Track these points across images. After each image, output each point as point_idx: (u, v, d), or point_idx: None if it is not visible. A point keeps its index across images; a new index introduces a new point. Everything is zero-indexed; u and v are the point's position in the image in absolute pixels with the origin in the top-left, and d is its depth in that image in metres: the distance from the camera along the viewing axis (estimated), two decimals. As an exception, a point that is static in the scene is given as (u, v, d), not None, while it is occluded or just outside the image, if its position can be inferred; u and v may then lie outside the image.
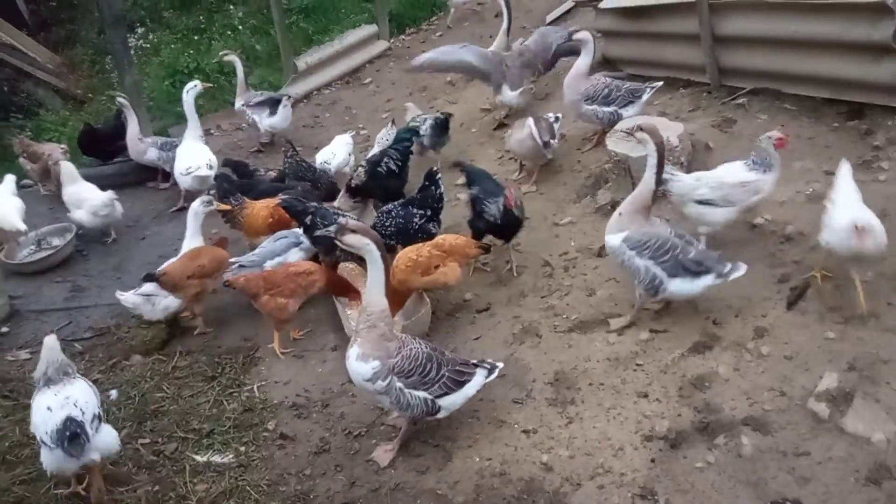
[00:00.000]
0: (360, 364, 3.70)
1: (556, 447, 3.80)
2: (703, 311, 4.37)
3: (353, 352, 3.74)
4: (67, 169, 6.78)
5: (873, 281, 4.18)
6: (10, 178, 6.75)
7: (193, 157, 6.83)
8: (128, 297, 5.08)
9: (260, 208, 5.75)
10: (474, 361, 3.96)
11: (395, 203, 5.53)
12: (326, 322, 5.24)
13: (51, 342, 3.86)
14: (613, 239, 4.27)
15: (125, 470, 4.09)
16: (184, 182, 6.91)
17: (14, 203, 6.45)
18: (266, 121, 8.07)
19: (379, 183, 6.10)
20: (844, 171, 4.23)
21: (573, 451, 3.76)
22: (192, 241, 5.33)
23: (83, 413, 3.61)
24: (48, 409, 3.62)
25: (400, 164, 6.18)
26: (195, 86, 7.26)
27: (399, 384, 3.70)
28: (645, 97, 6.03)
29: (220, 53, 8.49)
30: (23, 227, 6.30)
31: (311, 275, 4.89)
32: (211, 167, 6.79)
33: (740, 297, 4.39)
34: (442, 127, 6.80)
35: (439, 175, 5.50)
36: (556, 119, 6.11)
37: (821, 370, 3.77)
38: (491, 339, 4.76)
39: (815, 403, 3.61)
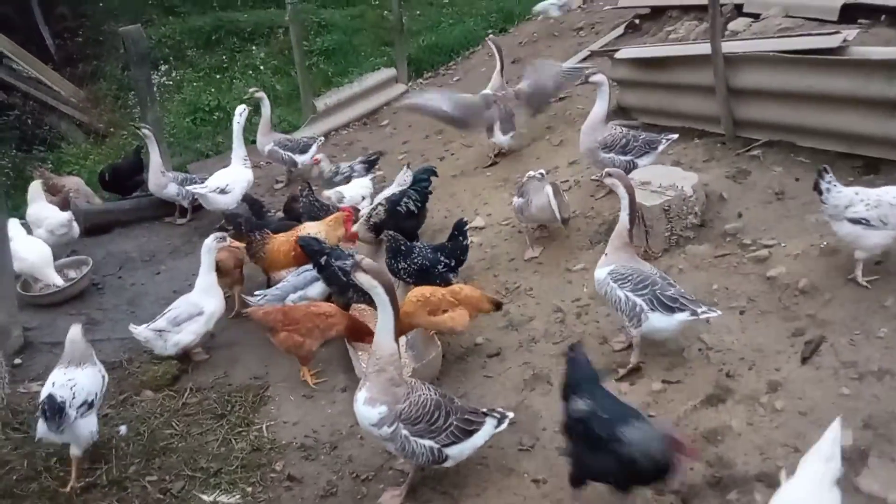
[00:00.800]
0: (367, 408, 3.68)
1: (567, 499, 3.75)
2: (716, 363, 4.34)
3: (360, 395, 3.72)
4: (33, 188, 7.05)
5: (888, 337, 4.15)
6: (15, 223, 6.57)
7: (230, 178, 7.28)
8: (140, 332, 5.11)
9: (282, 242, 5.82)
10: (484, 410, 3.91)
11: (426, 244, 5.70)
12: (337, 362, 5.24)
13: (74, 334, 4.37)
14: (600, 272, 4.50)
15: (131, 508, 4.07)
16: (213, 201, 7.16)
17: (45, 252, 6.47)
18: (299, 157, 8.26)
19: (396, 222, 6.15)
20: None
21: (584, 503, 3.70)
22: (206, 276, 5.37)
23: (74, 396, 4.11)
24: (52, 383, 4.18)
25: (419, 204, 6.33)
26: (244, 110, 7.65)
27: (405, 432, 3.67)
28: (661, 148, 6.08)
29: (251, 90, 8.63)
30: (60, 282, 6.43)
31: (330, 317, 4.89)
32: (224, 192, 7.16)
33: (754, 349, 4.36)
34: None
35: (468, 226, 5.69)
36: (542, 176, 5.87)
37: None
38: (501, 385, 4.74)
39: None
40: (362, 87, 10.51)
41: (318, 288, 5.53)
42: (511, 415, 3.94)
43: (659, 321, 4.25)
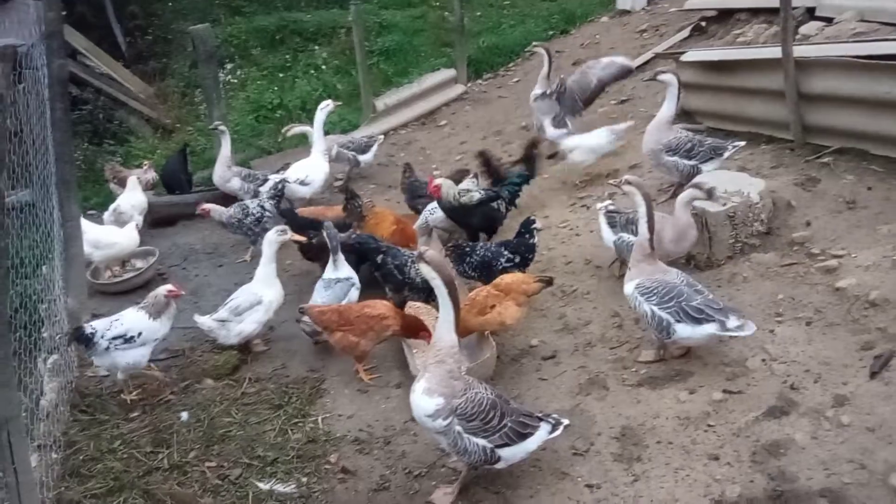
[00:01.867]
0: (424, 398, 3.68)
1: (619, 503, 3.71)
2: (779, 375, 4.22)
3: (419, 386, 3.73)
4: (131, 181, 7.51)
5: (966, 355, 3.97)
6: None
7: (309, 170, 7.63)
8: (204, 322, 5.24)
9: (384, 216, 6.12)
10: (539, 414, 3.88)
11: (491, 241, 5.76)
12: (392, 359, 5.29)
13: (158, 292, 5.09)
14: (627, 287, 4.49)
15: (191, 492, 4.17)
16: (293, 191, 7.43)
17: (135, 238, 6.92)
18: (361, 157, 8.45)
19: (485, 215, 6.19)
20: None
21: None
22: (266, 267, 5.47)
23: (109, 328, 4.85)
24: (111, 318, 5.01)
25: (508, 209, 6.37)
26: (328, 105, 7.92)
27: (458, 427, 3.67)
28: (727, 154, 5.94)
29: (284, 129, 8.87)
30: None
31: (384, 319, 4.92)
32: (304, 183, 7.53)
33: (820, 362, 4.23)
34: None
35: (535, 225, 5.63)
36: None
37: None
38: (556, 388, 4.70)
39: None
40: (421, 87, 10.58)
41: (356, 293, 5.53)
42: (566, 421, 3.90)
43: (685, 331, 4.26)
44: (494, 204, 6.21)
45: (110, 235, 6.80)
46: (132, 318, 4.94)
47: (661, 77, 6.23)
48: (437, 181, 6.14)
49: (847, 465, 3.60)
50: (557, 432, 3.85)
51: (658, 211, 5.42)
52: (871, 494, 3.43)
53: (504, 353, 5.13)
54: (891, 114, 5.54)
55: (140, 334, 4.87)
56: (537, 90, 7.99)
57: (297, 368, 5.31)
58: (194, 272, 6.95)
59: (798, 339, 4.43)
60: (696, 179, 5.74)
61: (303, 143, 9.67)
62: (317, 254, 6.02)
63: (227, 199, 8.01)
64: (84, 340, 4.82)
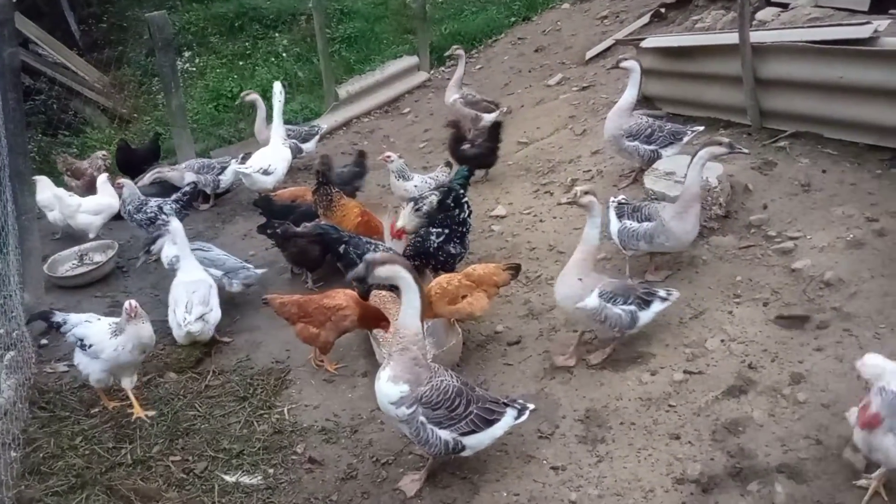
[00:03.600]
0: (389, 385, 3.66)
1: (586, 486, 3.76)
2: (738, 355, 4.32)
3: (383, 373, 3.71)
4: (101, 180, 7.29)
5: (915, 331, 4.10)
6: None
7: (272, 159, 7.45)
8: (194, 326, 5.15)
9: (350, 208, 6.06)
10: (505, 400, 3.91)
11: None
12: (357, 348, 5.27)
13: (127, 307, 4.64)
14: (591, 300, 4.33)
15: (155, 486, 4.12)
16: (256, 181, 7.35)
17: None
18: (303, 146, 8.38)
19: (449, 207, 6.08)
20: None
21: (602, 490, 3.71)
22: (188, 259, 5.45)
23: (78, 326, 4.67)
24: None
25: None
26: (280, 89, 7.82)
27: (422, 418, 3.66)
28: (686, 139, 6.04)
29: (243, 94, 8.67)
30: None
31: (341, 310, 4.90)
32: (267, 172, 7.36)
33: (777, 341, 4.33)
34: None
35: (465, 199, 5.58)
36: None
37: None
38: (521, 373, 4.75)
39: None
40: (384, 74, 10.52)
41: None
42: (532, 406, 3.93)
43: (646, 316, 4.43)
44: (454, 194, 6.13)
45: (102, 200, 7.05)
46: (96, 328, 4.66)
47: (624, 64, 6.28)
48: (398, 224, 6.02)
49: (803, 440, 3.71)
50: (523, 417, 3.87)
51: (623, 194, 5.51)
52: (827, 469, 3.54)
53: (470, 340, 5.15)
54: (843, 98, 5.66)
55: (91, 346, 4.57)
56: (454, 94, 8.40)
57: (261, 359, 5.27)
58: (154, 265, 6.83)
59: (756, 320, 4.53)
60: (658, 164, 5.84)
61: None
62: (309, 258, 6.01)
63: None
64: (49, 323, 4.79)
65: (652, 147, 6.03)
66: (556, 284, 4.50)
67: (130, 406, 4.69)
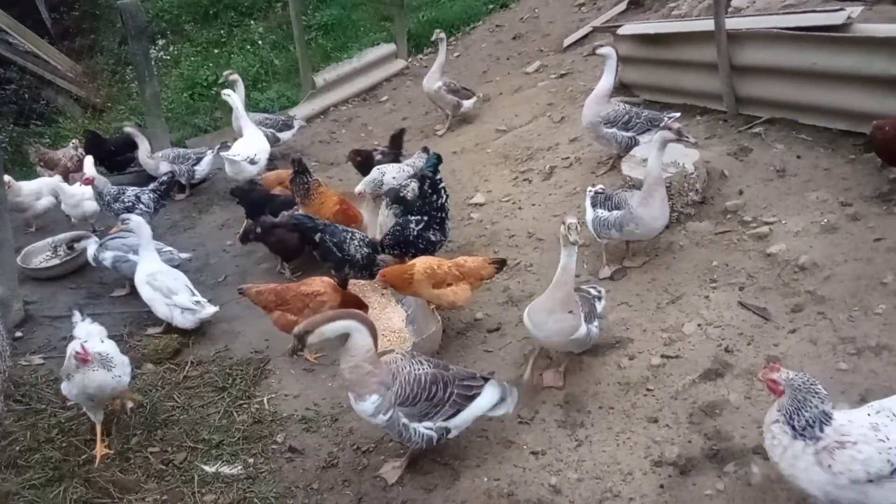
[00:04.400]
0: (359, 405, 3.66)
1: (565, 470, 3.79)
2: (714, 339, 4.36)
3: (350, 396, 3.71)
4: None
5: (887, 314, 4.17)
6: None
7: (256, 148, 7.40)
8: (206, 310, 5.23)
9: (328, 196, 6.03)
10: (483, 375, 3.92)
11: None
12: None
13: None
14: (583, 329, 4.07)
15: (134, 478, 4.10)
16: (243, 169, 7.27)
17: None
18: (280, 135, 8.29)
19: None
20: None
21: (581, 474, 3.75)
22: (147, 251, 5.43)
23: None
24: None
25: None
26: (233, 78, 7.94)
27: (404, 420, 3.64)
28: (666, 117, 6.08)
29: (225, 73, 8.54)
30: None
31: (319, 296, 4.89)
32: (254, 162, 7.29)
33: (753, 325, 4.39)
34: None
35: (442, 184, 5.56)
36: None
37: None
38: (501, 360, 4.77)
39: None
40: (362, 62, 10.44)
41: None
42: (515, 391, 3.95)
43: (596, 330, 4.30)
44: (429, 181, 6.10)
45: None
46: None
47: (601, 51, 6.29)
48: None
49: (778, 422, 3.75)
50: (510, 401, 3.90)
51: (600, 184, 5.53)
52: (801, 449, 3.59)
53: (450, 328, 5.16)
54: (817, 84, 5.72)
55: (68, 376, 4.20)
56: (438, 82, 8.36)
57: (240, 350, 5.24)
58: (131, 255, 6.77)
59: (732, 304, 4.58)
60: (635, 150, 5.88)
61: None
62: (287, 248, 5.99)
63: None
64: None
65: (629, 134, 6.06)
66: (536, 319, 4.09)
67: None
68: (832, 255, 4.67)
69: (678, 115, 6.23)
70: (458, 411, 3.76)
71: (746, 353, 4.21)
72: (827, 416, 2.97)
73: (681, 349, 4.37)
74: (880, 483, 2.85)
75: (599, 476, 3.72)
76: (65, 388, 4.26)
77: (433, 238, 5.50)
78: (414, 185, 5.87)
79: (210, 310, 5.21)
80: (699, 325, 4.50)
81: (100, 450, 4.27)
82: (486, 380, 3.90)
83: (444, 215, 5.57)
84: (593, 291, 4.51)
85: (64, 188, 6.92)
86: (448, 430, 3.77)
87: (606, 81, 6.19)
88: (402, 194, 5.90)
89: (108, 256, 5.79)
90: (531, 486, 3.74)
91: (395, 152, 7.24)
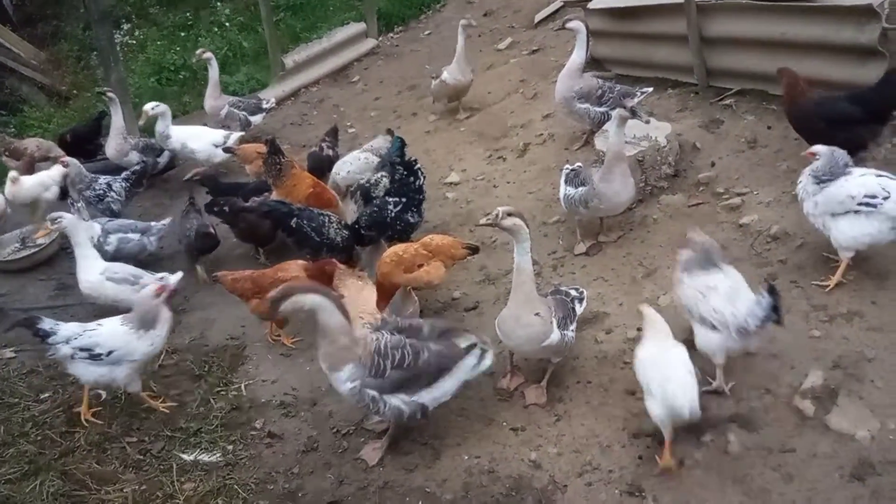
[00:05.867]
0: (335, 374, 3.64)
1: (545, 445, 3.82)
2: (690, 310, 4.39)
3: (324, 367, 3.69)
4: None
5: (857, 280, 4.23)
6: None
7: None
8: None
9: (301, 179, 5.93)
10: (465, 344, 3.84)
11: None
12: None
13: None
14: (556, 335, 3.86)
15: (112, 469, 4.06)
16: (218, 155, 7.26)
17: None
18: (252, 118, 8.15)
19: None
20: None
21: (561, 448, 3.77)
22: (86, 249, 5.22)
23: (77, 337, 4.23)
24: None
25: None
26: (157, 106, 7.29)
27: (373, 392, 3.62)
28: (636, 100, 6.04)
29: (198, 52, 8.35)
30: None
31: (297, 281, 4.86)
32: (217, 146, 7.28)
33: (727, 296, 4.41)
34: None
35: (418, 165, 5.54)
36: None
37: (806, 368, 3.81)
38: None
39: (800, 401, 3.65)
40: (331, 42, 10.29)
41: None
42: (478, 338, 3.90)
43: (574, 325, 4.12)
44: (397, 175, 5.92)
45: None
46: (108, 332, 4.26)
47: (570, 25, 6.25)
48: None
49: (754, 391, 3.81)
50: (486, 361, 3.87)
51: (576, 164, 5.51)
52: (777, 416, 3.65)
53: (427, 308, 5.15)
54: (786, 54, 5.73)
55: (111, 352, 4.18)
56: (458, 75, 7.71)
57: (215, 337, 5.20)
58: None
59: (706, 276, 4.60)
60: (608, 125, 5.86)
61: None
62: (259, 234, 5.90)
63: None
64: (35, 332, 4.26)
65: (602, 109, 6.04)
66: (504, 327, 3.94)
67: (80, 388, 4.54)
68: (803, 223, 4.69)
69: (650, 89, 6.23)
70: (437, 379, 3.73)
71: (721, 323, 4.24)
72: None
73: (657, 322, 4.39)
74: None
75: (579, 449, 3.74)
76: (103, 372, 4.23)
77: (411, 220, 5.47)
78: (385, 181, 5.80)
79: (175, 277, 4.82)
80: (674, 297, 4.52)
81: (159, 404, 4.47)
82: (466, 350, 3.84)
83: (421, 197, 5.54)
84: (573, 293, 4.29)
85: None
86: (424, 407, 3.73)
87: (578, 56, 6.17)
88: (372, 194, 5.77)
89: (112, 240, 5.70)
90: (511, 462, 3.76)
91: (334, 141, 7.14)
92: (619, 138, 4.82)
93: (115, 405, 4.54)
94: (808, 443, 3.48)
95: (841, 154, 4.22)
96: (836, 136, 4.51)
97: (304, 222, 5.34)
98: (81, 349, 4.19)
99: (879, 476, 3.28)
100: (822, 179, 4.21)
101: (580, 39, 6.15)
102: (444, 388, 3.77)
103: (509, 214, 3.76)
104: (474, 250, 5.08)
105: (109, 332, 4.23)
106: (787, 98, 5.09)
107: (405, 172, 5.49)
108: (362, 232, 5.47)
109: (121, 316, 4.34)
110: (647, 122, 5.06)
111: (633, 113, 4.77)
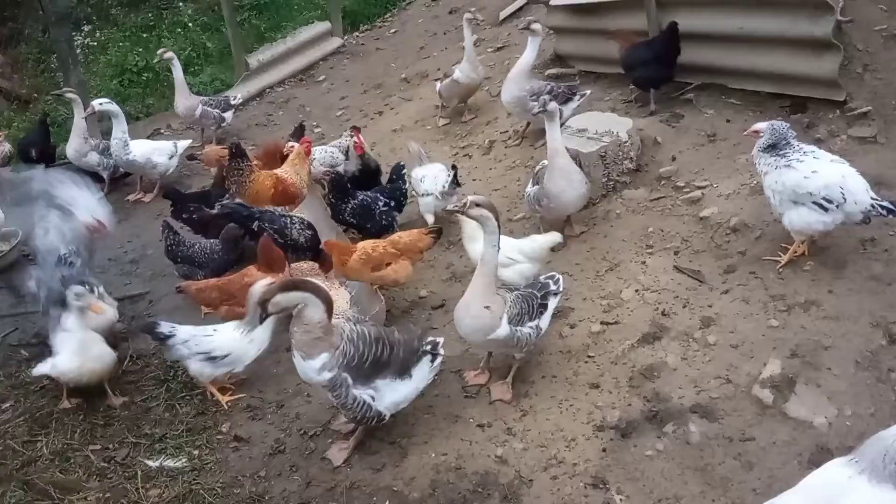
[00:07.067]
0: (308, 362, 3.60)
1: (511, 440, 3.84)
2: (651, 303, 4.45)
3: (297, 357, 3.66)
4: None
5: (814, 270, 4.31)
6: None
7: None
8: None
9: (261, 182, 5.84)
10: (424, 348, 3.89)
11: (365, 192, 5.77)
12: (281, 322, 5.19)
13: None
14: (503, 329, 3.84)
15: (75, 477, 4.00)
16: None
17: None
18: (225, 115, 8.13)
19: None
20: None
21: (527, 443, 3.80)
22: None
23: (195, 342, 4.42)
24: None
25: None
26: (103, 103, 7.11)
27: (349, 379, 3.60)
28: (578, 95, 6.23)
29: (159, 52, 8.23)
30: None
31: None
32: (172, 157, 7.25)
33: (688, 288, 4.49)
34: None
35: (405, 171, 5.73)
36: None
37: (765, 357, 3.87)
38: (446, 336, 4.68)
39: (759, 390, 3.71)
40: (296, 41, 10.24)
41: None
42: (441, 340, 3.95)
43: (545, 323, 4.07)
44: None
45: None
46: (222, 337, 4.44)
47: (534, 27, 6.21)
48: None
49: (714, 381, 3.87)
50: (438, 361, 3.93)
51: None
52: (737, 406, 3.71)
53: (394, 307, 5.16)
54: (744, 48, 5.84)
55: (227, 356, 4.40)
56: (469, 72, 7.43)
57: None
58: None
59: (668, 269, 4.68)
60: (570, 122, 5.91)
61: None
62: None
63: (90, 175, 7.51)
64: (156, 337, 4.47)
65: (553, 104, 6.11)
66: (457, 315, 3.95)
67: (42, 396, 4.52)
68: (762, 215, 4.79)
69: (589, 92, 6.38)
70: (405, 373, 3.77)
71: (682, 315, 4.31)
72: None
73: (619, 315, 4.44)
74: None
75: (544, 444, 3.77)
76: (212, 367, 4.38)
77: (395, 217, 5.71)
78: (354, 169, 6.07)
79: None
80: (636, 290, 4.59)
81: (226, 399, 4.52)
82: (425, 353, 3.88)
83: (405, 201, 5.79)
84: (552, 285, 4.14)
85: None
86: (383, 415, 3.75)
87: (529, 57, 6.21)
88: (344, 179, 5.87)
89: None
90: (478, 459, 3.78)
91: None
92: (554, 134, 4.87)
93: (79, 413, 4.48)
94: (767, 431, 3.54)
95: (780, 125, 4.30)
96: (636, 72, 6.17)
97: (267, 224, 5.31)
98: (198, 352, 4.39)
99: (836, 461, 3.35)
100: (776, 154, 4.27)
101: (535, 41, 6.16)
102: (404, 392, 3.79)
103: (477, 205, 3.77)
104: (438, 233, 5.11)
105: (224, 336, 4.45)
106: (620, 51, 6.29)
107: (395, 177, 5.79)
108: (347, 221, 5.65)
109: (233, 323, 4.53)
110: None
111: (553, 116, 4.84)
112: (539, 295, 4.06)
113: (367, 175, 6.15)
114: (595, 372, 4.11)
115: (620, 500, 3.42)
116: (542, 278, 4.24)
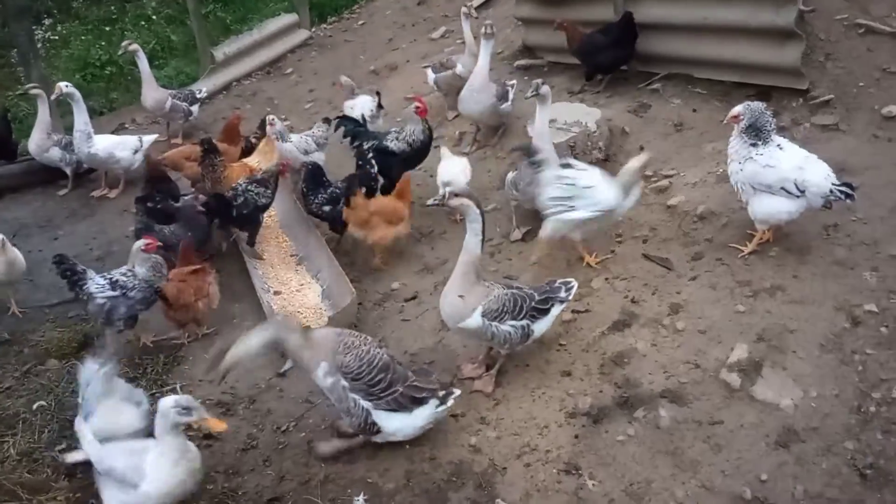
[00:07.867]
0: (314, 374, 3.63)
1: (484, 429, 3.86)
2: (621, 291, 4.50)
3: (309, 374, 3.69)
4: None
5: (779, 256, 4.38)
6: None
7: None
8: None
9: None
10: (430, 387, 3.76)
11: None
12: (251, 317, 5.17)
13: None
14: (473, 321, 3.84)
15: (43, 478, 3.94)
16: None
17: None
18: (192, 108, 8.03)
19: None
20: None
21: (500, 432, 3.82)
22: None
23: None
24: None
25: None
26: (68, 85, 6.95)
27: (345, 383, 3.61)
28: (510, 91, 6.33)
29: (124, 44, 8.07)
30: None
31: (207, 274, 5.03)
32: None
33: (656, 275, 4.54)
34: None
35: (371, 154, 5.70)
36: None
37: (732, 342, 3.93)
38: (418, 328, 4.79)
39: (727, 374, 3.77)
40: (263, 34, 10.12)
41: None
42: (457, 392, 3.80)
43: (542, 326, 4.02)
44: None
45: None
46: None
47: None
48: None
49: (683, 366, 3.92)
50: (448, 404, 3.75)
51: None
52: (705, 390, 3.76)
53: (366, 299, 5.15)
54: (709, 38, 5.91)
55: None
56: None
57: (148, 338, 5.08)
58: (27, 248, 6.39)
59: (636, 257, 4.73)
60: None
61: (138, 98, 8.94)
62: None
63: (55, 170, 7.38)
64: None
65: (509, 103, 6.27)
66: (441, 300, 4.01)
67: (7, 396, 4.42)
68: (728, 202, 4.86)
69: (514, 83, 6.48)
70: (397, 410, 3.67)
71: (651, 302, 4.36)
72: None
73: (590, 303, 4.48)
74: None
75: (517, 432, 3.80)
76: None
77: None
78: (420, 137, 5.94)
79: None
80: (606, 279, 4.63)
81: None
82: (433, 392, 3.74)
83: (376, 185, 5.84)
84: (562, 293, 4.03)
85: None
86: (378, 428, 3.67)
87: (485, 62, 6.02)
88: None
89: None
90: (452, 448, 3.79)
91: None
92: (543, 117, 5.00)
93: (46, 412, 4.40)
94: (735, 414, 3.60)
95: (756, 105, 4.29)
96: (595, 58, 6.40)
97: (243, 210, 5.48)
98: None
99: (803, 442, 3.42)
100: (754, 142, 4.25)
101: (489, 46, 5.98)
102: (397, 424, 3.70)
103: (456, 195, 3.79)
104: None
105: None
106: (569, 41, 6.53)
107: (362, 163, 5.80)
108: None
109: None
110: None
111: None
112: (539, 298, 3.96)
113: (426, 145, 5.92)
114: (566, 360, 4.14)
115: (593, 485, 3.46)
116: (557, 282, 4.11)
